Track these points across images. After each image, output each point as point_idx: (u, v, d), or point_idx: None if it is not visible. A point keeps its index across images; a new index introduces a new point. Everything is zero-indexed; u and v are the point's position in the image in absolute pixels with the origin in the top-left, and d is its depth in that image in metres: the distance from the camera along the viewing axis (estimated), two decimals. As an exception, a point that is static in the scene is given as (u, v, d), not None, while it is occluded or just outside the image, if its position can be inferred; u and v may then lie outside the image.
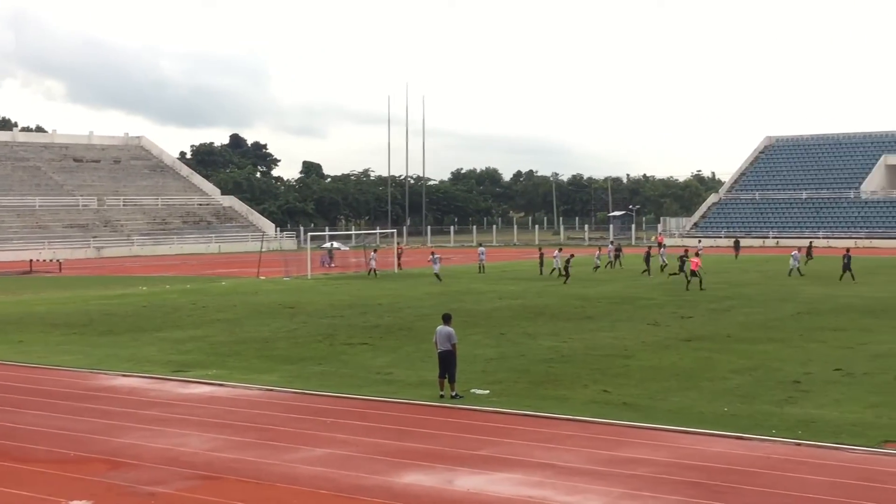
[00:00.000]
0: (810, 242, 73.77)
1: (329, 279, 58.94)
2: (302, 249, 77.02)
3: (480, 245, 74.86)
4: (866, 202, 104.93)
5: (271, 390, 23.06)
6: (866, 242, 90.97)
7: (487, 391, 21.79)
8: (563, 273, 54.14)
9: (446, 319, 22.21)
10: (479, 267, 63.45)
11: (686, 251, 55.44)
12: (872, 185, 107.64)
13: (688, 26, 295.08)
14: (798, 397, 21.14)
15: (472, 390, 21.86)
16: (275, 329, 34.03)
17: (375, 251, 65.31)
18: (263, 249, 75.49)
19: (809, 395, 21.30)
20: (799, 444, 17.22)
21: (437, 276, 54.94)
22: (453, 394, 21.50)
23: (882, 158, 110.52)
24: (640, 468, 15.77)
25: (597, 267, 62.01)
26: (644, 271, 58.03)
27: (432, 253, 60.68)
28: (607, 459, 16.36)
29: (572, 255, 57.15)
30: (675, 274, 52.27)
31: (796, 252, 57.25)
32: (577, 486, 14.90)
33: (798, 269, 55.53)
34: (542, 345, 29.27)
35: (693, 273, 47.80)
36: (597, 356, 27.01)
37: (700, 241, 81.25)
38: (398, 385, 23.35)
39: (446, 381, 21.68)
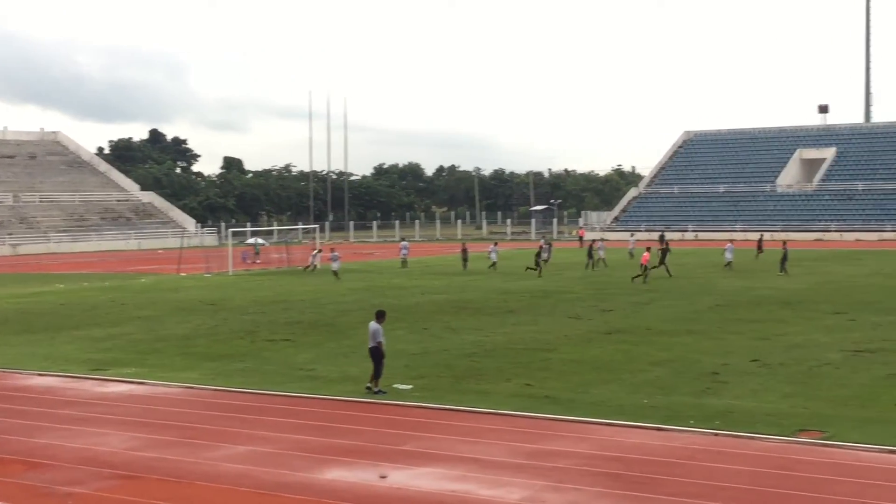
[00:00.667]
0: (761, 235, 71.52)
1: (251, 275, 58.51)
2: (223, 245, 76.32)
3: (403, 240, 74.69)
4: (782, 195, 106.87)
5: (192, 388, 22.84)
6: (782, 235, 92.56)
7: (410, 386, 21.81)
8: (536, 266, 54.51)
9: (379, 316, 22.16)
10: (402, 262, 63.38)
11: (593, 243, 58.65)
12: (788, 178, 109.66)
13: (608, 23, 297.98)
14: (716, 388, 21.48)
15: (395, 385, 21.86)
16: (195, 326, 33.71)
17: (320, 250, 64.40)
18: (184, 246, 74.73)
19: (727, 386, 21.64)
20: (716, 435, 17.49)
21: (335, 273, 53.70)
22: (376, 389, 21.50)
23: (797, 152, 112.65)
24: (562, 460, 15.91)
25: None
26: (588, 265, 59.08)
27: (332, 250, 59.23)
28: (529, 452, 16.47)
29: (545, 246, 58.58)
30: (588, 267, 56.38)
31: (730, 244, 58.19)
32: (500, 479, 14.98)
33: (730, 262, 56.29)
34: (465, 339, 29.37)
35: (644, 267, 48.33)
36: (519, 350, 27.18)
37: (633, 235, 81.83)
38: (321, 381, 23.27)
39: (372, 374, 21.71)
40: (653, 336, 29.44)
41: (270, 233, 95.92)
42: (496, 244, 62.00)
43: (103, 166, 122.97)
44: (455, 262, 66.04)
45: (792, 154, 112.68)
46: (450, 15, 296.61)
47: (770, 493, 14.09)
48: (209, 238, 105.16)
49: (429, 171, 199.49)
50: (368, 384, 21.68)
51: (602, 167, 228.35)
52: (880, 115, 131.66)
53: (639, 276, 48.27)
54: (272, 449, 16.95)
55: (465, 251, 61.84)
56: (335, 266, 54.46)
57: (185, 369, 25.23)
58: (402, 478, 15.15)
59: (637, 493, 14.23)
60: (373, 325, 21.93)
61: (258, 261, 69.97)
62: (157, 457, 16.54)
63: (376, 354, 21.61)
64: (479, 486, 14.64)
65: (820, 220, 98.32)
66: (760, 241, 67.11)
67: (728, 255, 55.83)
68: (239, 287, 49.04)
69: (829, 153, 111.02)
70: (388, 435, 17.85)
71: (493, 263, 58.15)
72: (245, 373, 24.60)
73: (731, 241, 60.29)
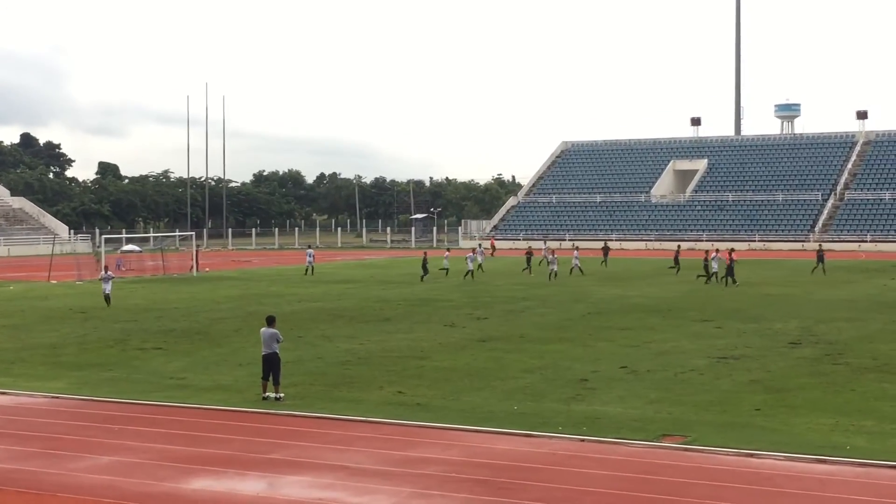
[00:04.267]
0: (605, 243, 73.50)
1: (124, 283, 57.36)
2: (96, 253, 74.70)
3: (309, 246, 73.47)
4: (656, 205, 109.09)
5: (57, 398, 22.32)
6: (656, 244, 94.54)
7: (282, 395, 21.68)
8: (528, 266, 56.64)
9: (270, 321, 22.04)
10: (307, 269, 62.22)
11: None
12: (662, 188, 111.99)
13: (488, 33, 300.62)
14: (585, 395, 21.85)
15: (267, 394, 21.70)
16: (64, 335, 32.94)
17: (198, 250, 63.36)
18: (56, 252, 72.90)
19: (596, 393, 22.03)
20: (583, 440, 17.79)
21: (106, 297, 42.08)
22: (277, 396, 21.36)
23: (671, 163, 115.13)
24: (430, 467, 16.01)
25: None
26: (524, 269, 60.29)
27: (106, 269, 45.68)
28: (398, 460, 16.54)
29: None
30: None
31: (576, 252, 60.27)
32: (368, 486, 15.01)
33: (579, 267, 58.28)
34: (340, 347, 29.32)
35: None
36: (393, 358, 27.23)
37: (546, 243, 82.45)
38: (191, 390, 22.98)
39: (270, 382, 21.57)
40: (526, 343, 29.80)
41: (146, 239, 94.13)
42: (448, 250, 62.18)
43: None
44: (332, 270, 65.90)
45: (666, 165, 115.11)
46: (330, 21, 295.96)
47: (632, 497, 14.41)
48: (82, 245, 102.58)
49: (309, 178, 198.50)
50: (266, 394, 21.50)
51: (482, 176, 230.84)
52: (749, 129, 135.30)
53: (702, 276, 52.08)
54: (137, 459, 16.68)
55: (425, 259, 58.50)
56: (107, 289, 42.49)
57: (52, 379, 24.63)
58: (268, 487, 15.08)
59: (503, 498, 14.40)
60: (266, 331, 21.81)
61: (128, 268, 68.54)
62: (16, 468, 16.14)
63: (274, 360, 21.53)
64: (346, 494, 14.64)
65: (692, 230, 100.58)
66: (605, 248, 69.02)
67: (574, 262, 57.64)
68: (112, 295, 48.00)
69: (701, 164, 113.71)
70: (257, 444, 17.72)
71: (470, 271, 56.91)
72: (113, 382, 24.13)
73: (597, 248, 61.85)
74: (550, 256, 57.46)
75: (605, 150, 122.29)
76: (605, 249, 69.18)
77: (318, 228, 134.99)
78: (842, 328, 32.61)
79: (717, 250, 55.68)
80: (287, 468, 16.06)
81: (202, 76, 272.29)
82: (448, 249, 64.47)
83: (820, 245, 66.17)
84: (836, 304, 40.62)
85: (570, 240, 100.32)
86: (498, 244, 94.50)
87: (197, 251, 69.77)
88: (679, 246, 67.36)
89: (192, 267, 64.78)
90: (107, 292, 42.28)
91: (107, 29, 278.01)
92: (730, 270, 51.07)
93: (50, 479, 15.48)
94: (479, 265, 60.74)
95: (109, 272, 44.82)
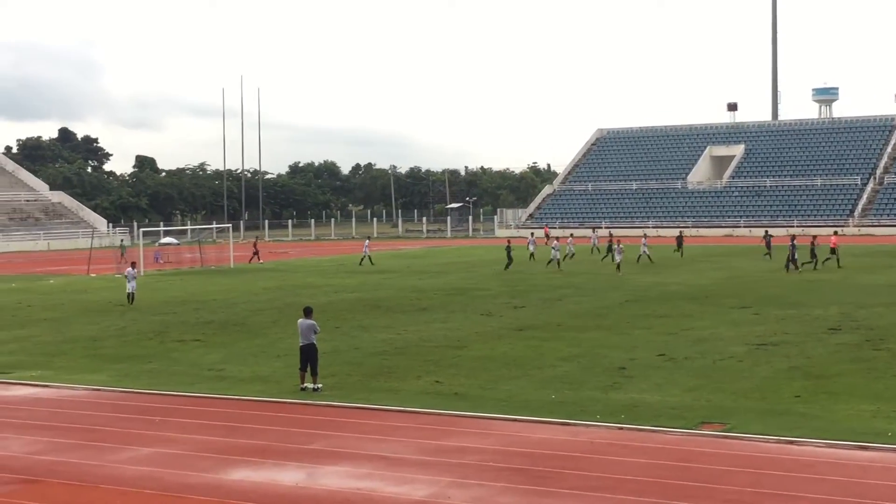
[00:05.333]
0: (680, 232, 68.91)
1: (162, 275, 57.82)
2: (135, 245, 75.28)
3: (368, 238, 73.92)
4: (692, 192, 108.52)
5: (98, 390, 22.54)
6: (693, 231, 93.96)
7: (320, 385, 21.76)
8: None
9: (307, 312, 22.15)
10: (364, 258, 62.27)
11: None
12: (698, 175, 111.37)
13: (523, 21, 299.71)
14: (622, 383, 21.78)
15: (305, 385, 21.79)
16: (104, 327, 33.23)
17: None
18: (95, 246, 73.52)
19: (633, 381, 21.96)
20: (621, 429, 17.74)
21: (129, 296, 40.33)
22: (315, 386, 21.47)
23: (707, 150, 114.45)
24: (468, 457, 16.02)
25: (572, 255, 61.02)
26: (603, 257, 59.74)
27: (133, 265, 44.60)
28: (436, 449, 16.57)
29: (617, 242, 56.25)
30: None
31: (644, 239, 59.74)
32: (405, 476, 15.04)
33: (648, 255, 57.55)
34: (377, 337, 29.39)
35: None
36: (430, 347, 27.27)
37: (595, 231, 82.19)
38: (230, 381, 23.13)
39: (308, 373, 21.67)
40: (562, 332, 29.74)
41: (184, 232, 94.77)
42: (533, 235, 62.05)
43: (11, 166, 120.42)
44: (368, 261, 66.08)
45: (702, 151, 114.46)
46: (366, 10, 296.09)
47: (671, 485, 14.34)
48: (121, 238, 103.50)
49: (345, 169, 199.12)
50: (304, 384, 21.61)
51: (517, 165, 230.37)
52: (787, 114, 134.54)
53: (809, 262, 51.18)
54: (178, 450, 16.81)
55: (509, 247, 57.77)
56: (130, 287, 40.66)
57: (93, 371, 24.86)
58: (307, 477, 15.15)
59: (541, 487, 14.39)
60: (303, 322, 21.89)
61: (166, 260, 68.99)
62: (59, 460, 16.31)
63: (311, 351, 21.63)
64: (384, 484, 14.69)
65: (730, 217, 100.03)
66: (679, 237, 65.22)
67: (643, 249, 57.29)
68: (150, 287, 48.36)
69: (738, 150, 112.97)
70: (295, 434, 17.81)
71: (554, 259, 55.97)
72: (153, 374, 24.34)
73: (644, 235, 60.97)
74: (617, 246, 53.92)
75: (641, 137, 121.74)
76: (680, 238, 64.92)
77: (353, 219, 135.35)
78: (882, 313, 32.31)
79: (816, 236, 54.93)
80: (325, 458, 16.13)
81: (237, 68, 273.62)
82: (532, 234, 64.26)
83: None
84: (877, 289, 40.25)
85: (606, 227, 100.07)
86: (558, 232, 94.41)
87: (256, 242, 70.17)
88: (767, 232, 65.68)
89: (252, 258, 65.41)
90: (130, 290, 40.33)
91: (140, 22, 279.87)
92: (833, 252, 52.12)
93: (92, 471, 15.63)
94: (532, 254, 60.36)
95: (135, 269, 42.94)
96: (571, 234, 66.99)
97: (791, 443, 16.45)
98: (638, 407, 19.33)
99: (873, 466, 15.07)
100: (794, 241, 51.20)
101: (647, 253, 58.14)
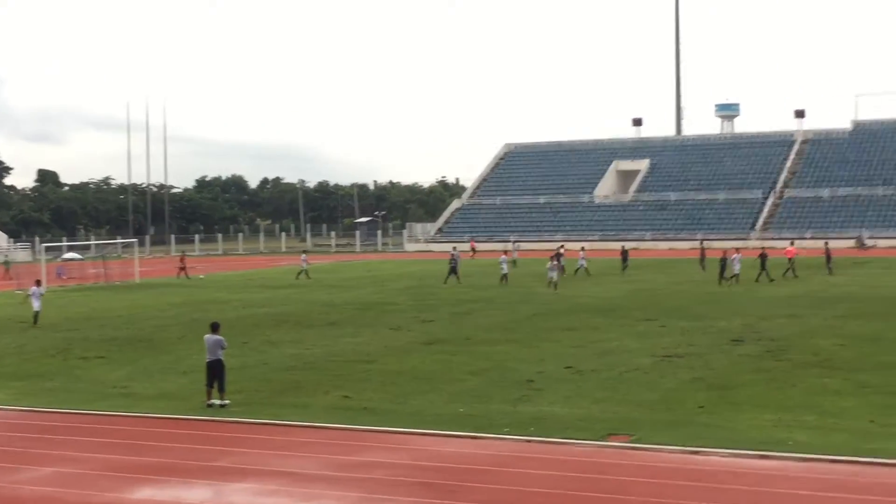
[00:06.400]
0: (623, 247, 66.69)
1: (65, 291, 56.72)
2: (37, 261, 73.74)
3: (304, 251, 73.46)
4: (599, 206, 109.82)
5: (-3, 409, 22.00)
6: (600, 245, 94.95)
7: (227, 401, 21.51)
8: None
9: (214, 328, 21.91)
10: (301, 272, 61.77)
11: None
12: (605, 189, 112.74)
13: (431, 36, 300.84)
14: (531, 395, 21.90)
15: (212, 401, 21.52)
16: (3, 345, 32.44)
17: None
18: (-7, 262, 71.81)
19: (542, 393, 22.10)
20: (530, 441, 17.83)
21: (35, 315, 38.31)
22: (222, 402, 21.21)
23: (613, 164, 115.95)
24: (377, 471, 15.97)
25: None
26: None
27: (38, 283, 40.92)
28: (344, 464, 16.48)
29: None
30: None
31: (582, 252, 60.06)
32: (313, 492, 14.94)
33: (586, 268, 57.96)
34: (285, 352, 29.18)
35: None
36: (339, 362, 27.14)
37: (514, 244, 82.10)
38: (135, 398, 22.74)
39: (215, 389, 21.43)
40: (472, 346, 29.82)
41: (88, 247, 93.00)
42: (561, 253, 58.12)
43: None
44: (276, 276, 65.64)
45: (608, 166, 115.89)
46: (271, 25, 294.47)
47: (578, 497, 14.47)
48: (22, 254, 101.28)
49: (252, 183, 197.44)
50: (211, 401, 21.34)
51: (426, 179, 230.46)
52: (690, 129, 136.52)
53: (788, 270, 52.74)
54: (79, 469, 16.47)
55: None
56: (36, 306, 38.55)
57: (-9, 390, 24.25)
58: (212, 494, 14.96)
59: (450, 501, 14.40)
60: (210, 337, 21.65)
61: (68, 276, 67.68)
62: (-44, 482, 15.87)
63: (218, 368, 21.41)
64: (292, 500, 14.57)
65: (635, 230, 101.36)
66: (624, 251, 63.21)
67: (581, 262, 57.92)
68: (53, 304, 47.28)
69: (643, 165, 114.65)
70: (201, 451, 17.58)
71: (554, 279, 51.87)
72: (55, 392, 23.81)
73: (583, 248, 61.26)
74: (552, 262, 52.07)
75: (548, 152, 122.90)
76: (625, 253, 63.17)
77: (262, 234, 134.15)
78: (783, 325, 33.01)
79: (738, 249, 55.25)
80: (232, 475, 15.94)
81: (142, 81, 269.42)
82: (583, 248, 62.93)
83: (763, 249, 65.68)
84: (778, 301, 41.11)
85: (514, 241, 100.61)
86: (442, 246, 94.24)
87: (183, 256, 69.19)
88: (702, 243, 67.20)
89: (179, 273, 64.56)
90: (36, 309, 38.25)
91: (42, 34, 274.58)
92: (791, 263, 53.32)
93: (-10, 492, 15.24)
94: (582, 268, 58.40)
95: (40, 287, 40.16)
96: (583, 248, 64.42)
97: (695, 453, 16.69)
98: (546, 419, 19.45)
99: (774, 475, 15.37)
100: (726, 255, 51.81)
101: (585, 266, 58.47)
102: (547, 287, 47.46)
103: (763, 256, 52.15)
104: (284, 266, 78.61)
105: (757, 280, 50.24)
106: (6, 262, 71.33)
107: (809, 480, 15.06)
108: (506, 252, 60.08)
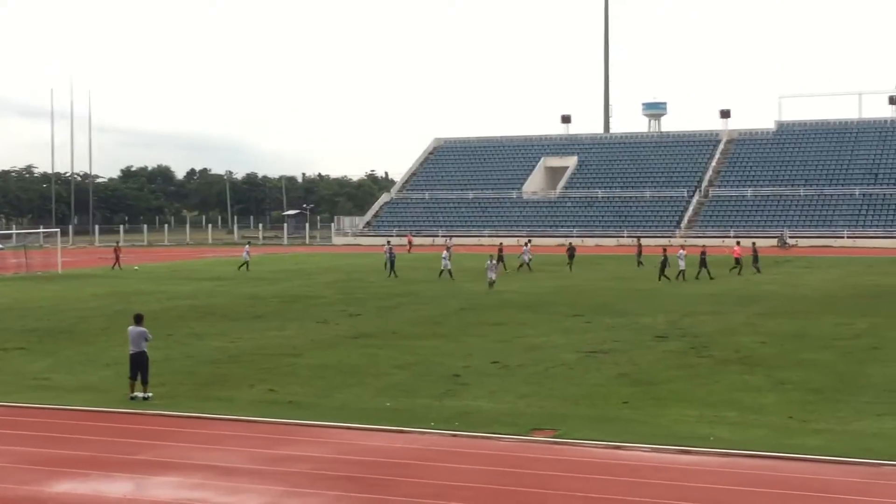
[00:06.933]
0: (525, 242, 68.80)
1: (-15, 281, 55.60)
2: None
3: (248, 243, 72.49)
4: (527, 202, 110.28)
5: (-88, 401, 21.52)
6: (503, 240, 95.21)
7: (150, 394, 21.26)
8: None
9: (138, 320, 21.70)
10: (243, 264, 60.89)
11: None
12: (533, 185, 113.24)
13: (360, 28, 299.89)
14: (457, 390, 21.96)
15: (135, 394, 21.26)
16: (-80, 335, 31.76)
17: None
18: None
19: (468, 388, 22.16)
20: (455, 436, 17.89)
21: None
22: (145, 395, 20.96)
23: (541, 161, 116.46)
24: (301, 465, 15.91)
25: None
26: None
27: None
28: (269, 458, 16.39)
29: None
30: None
31: (527, 247, 59.97)
32: (238, 486, 14.84)
33: (528, 263, 57.93)
34: (210, 345, 28.93)
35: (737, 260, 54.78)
36: (265, 355, 26.97)
37: (450, 240, 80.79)
38: (56, 391, 22.40)
39: (138, 382, 21.19)
40: (398, 339, 29.82)
41: (8, 236, 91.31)
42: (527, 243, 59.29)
43: None
44: (202, 268, 65.06)
45: (537, 162, 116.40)
46: (199, 12, 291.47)
47: (503, 491, 14.55)
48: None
49: (179, 174, 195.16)
50: (134, 393, 21.07)
51: (355, 172, 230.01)
52: (618, 127, 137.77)
53: (734, 268, 53.98)
54: (-2, 463, 16.19)
55: (500, 252, 58.48)
56: None
57: None
58: (135, 488, 14.79)
59: (375, 494, 14.40)
60: (133, 329, 21.43)
61: None
62: None
63: (142, 359, 21.20)
64: (215, 494, 14.46)
65: (563, 226, 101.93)
66: (571, 248, 62.60)
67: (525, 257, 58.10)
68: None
69: (571, 162, 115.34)
70: (123, 444, 17.37)
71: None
72: (-27, 384, 23.37)
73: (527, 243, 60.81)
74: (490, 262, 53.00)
75: (477, 148, 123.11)
76: (571, 249, 62.14)
77: (188, 225, 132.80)
78: (706, 321, 33.46)
79: (683, 247, 55.44)
80: (155, 469, 15.77)
81: (66, 68, 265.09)
82: (527, 242, 62.39)
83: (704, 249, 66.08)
84: (701, 298, 41.63)
85: (442, 236, 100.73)
86: (371, 240, 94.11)
87: (117, 247, 68.05)
88: (639, 240, 67.49)
89: (114, 263, 63.45)
90: None
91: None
92: (755, 259, 55.50)
93: None
94: (525, 263, 58.14)
95: None
96: (528, 241, 64.34)
97: (619, 448, 16.88)
98: (471, 414, 19.52)
99: (695, 470, 15.59)
100: (667, 252, 52.32)
101: (529, 261, 58.40)
102: (488, 287, 46.68)
103: (703, 254, 52.77)
104: (211, 258, 77.95)
105: (697, 277, 50.80)
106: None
107: (729, 475, 15.30)
108: (448, 248, 59.06)
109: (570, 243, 65.54)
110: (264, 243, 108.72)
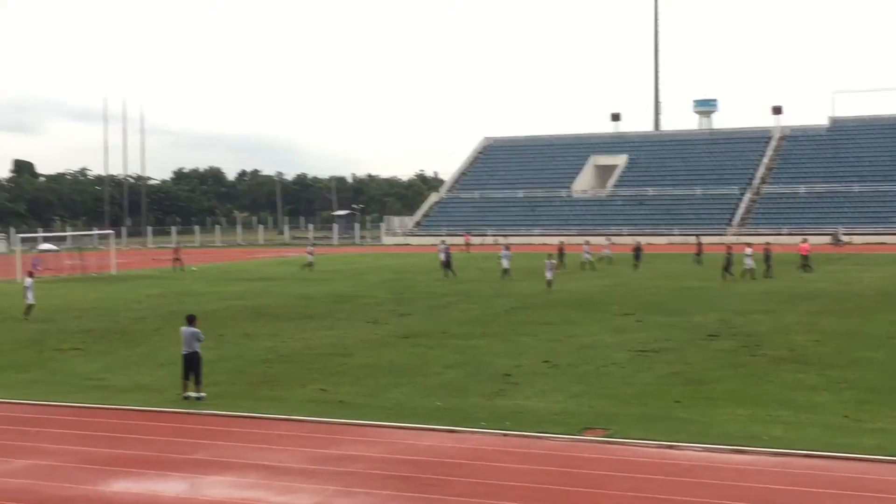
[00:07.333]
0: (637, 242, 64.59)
1: (41, 283, 56.26)
2: (11, 252, 73.35)
3: (313, 244, 73.33)
4: (577, 200, 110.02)
5: (-29, 401, 21.88)
6: (578, 239, 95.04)
7: (203, 394, 21.46)
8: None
9: (191, 320, 21.87)
10: (308, 264, 61.87)
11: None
12: (582, 184, 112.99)
13: (411, 29, 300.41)
14: (508, 389, 21.95)
15: (188, 394, 21.47)
16: (-22, 336, 32.28)
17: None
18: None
19: (518, 388, 22.15)
20: (506, 435, 17.88)
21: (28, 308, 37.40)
22: (198, 395, 21.18)
23: (591, 159, 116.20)
24: (354, 465, 15.98)
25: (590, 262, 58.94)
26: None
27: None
28: (321, 458, 16.48)
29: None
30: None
31: (587, 246, 60.04)
32: (291, 485, 14.94)
33: (591, 262, 58.34)
34: (261, 345, 29.13)
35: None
36: (315, 355, 27.12)
37: (609, 240, 77.97)
38: (111, 391, 22.67)
39: (191, 381, 21.40)
40: (448, 339, 29.86)
41: (64, 238, 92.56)
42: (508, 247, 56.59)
43: None
44: (253, 268, 65.52)
45: (586, 160, 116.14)
46: (248, 15, 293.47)
47: (554, 491, 14.52)
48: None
49: (230, 175, 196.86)
50: (187, 393, 21.31)
51: (405, 172, 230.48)
52: (668, 124, 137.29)
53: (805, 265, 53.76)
54: (55, 462, 16.42)
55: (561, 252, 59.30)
56: (29, 298, 37.61)
57: (-35, 382, 24.12)
58: (190, 487, 14.93)
59: (427, 494, 14.42)
60: (186, 329, 21.62)
61: (42, 267, 67.34)
62: (-70, 474, 15.79)
63: (194, 360, 21.40)
64: (269, 494, 14.55)
65: (613, 225, 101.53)
66: (637, 247, 61.13)
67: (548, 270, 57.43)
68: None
69: (621, 160, 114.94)
70: (178, 444, 17.54)
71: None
72: (30, 384, 23.70)
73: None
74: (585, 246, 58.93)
75: (527, 146, 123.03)
76: (638, 249, 60.95)
77: (239, 226, 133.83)
78: (759, 320, 33.17)
79: (750, 245, 54.25)
80: (209, 468, 15.92)
81: (120, 72, 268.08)
82: (588, 243, 62.69)
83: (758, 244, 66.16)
84: (754, 296, 41.29)
85: (492, 235, 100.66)
86: (421, 240, 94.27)
87: (177, 248, 68.80)
88: (699, 238, 67.06)
89: (174, 262, 64.29)
90: (29, 302, 37.25)
91: (18, 23, 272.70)
92: (806, 259, 54.38)
93: (-36, 484, 15.17)
94: (602, 258, 59.18)
95: (32, 279, 38.73)
96: (587, 241, 64.13)
97: (671, 447, 16.78)
98: (522, 413, 19.50)
99: (749, 469, 15.47)
100: (731, 250, 51.57)
101: (591, 259, 58.76)
102: (546, 287, 45.83)
103: (767, 251, 52.28)
104: (261, 258, 78.50)
105: (766, 276, 50.36)
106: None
107: (784, 475, 15.17)
108: (507, 247, 57.70)
109: (638, 242, 64.54)
110: (314, 244, 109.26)
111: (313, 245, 73.25)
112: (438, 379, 23.37)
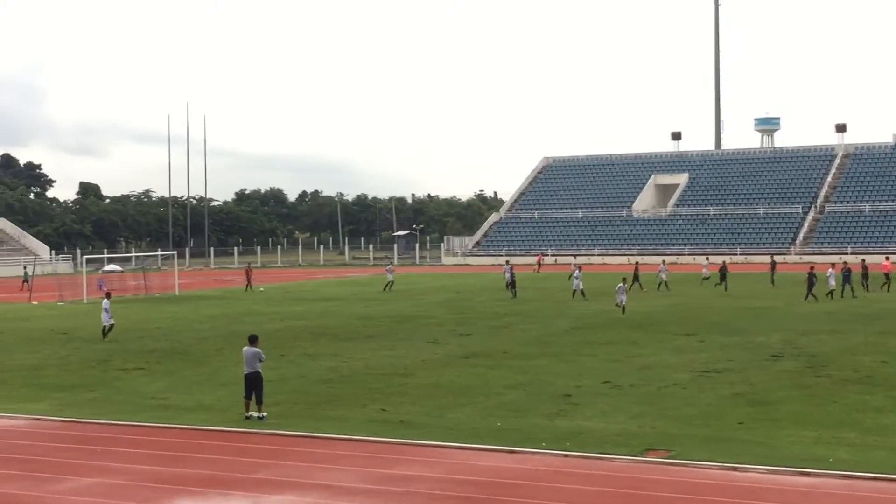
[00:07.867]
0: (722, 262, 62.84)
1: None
2: (78, 273, 74.45)
3: (391, 262, 73.68)
4: (638, 220, 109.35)
5: (39, 419, 22.21)
6: (639, 259, 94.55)
7: (265, 414, 21.60)
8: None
9: (253, 340, 22.05)
10: (388, 284, 62.15)
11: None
12: (643, 203, 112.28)
13: (468, 49, 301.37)
14: (568, 410, 21.85)
15: (250, 413, 21.62)
16: (45, 356, 32.77)
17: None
18: (37, 273, 72.60)
19: (579, 408, 22.04)
20: (567, 456, 17.79)
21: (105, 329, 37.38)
22: (260, 415, 21.33)
23: (652, 178, 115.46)
24: (414, 485, 15.98)
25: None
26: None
27: None
28: (382, 478, 16.50)
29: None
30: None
31: (663, 265, 60.51)
32: (352, 505, 14.98)
33: (666, 282, 57.81)
34: (323, 365, 29.27)
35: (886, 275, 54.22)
36: (376, 375, 27.20)
37: (708, 259, 76.59)
38: (174, 410, 22.90)
39: (253, 401, 21.54)
40: (509, 359, 29.80)
41: (128, 259, 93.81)
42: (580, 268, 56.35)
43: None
44: (314, 288, 65.88)
45: (647, 180, 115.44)
46: (311, 37, 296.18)
47: (616, 512, 14.41)
48: (64, 265, 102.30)
49: (291, 196, 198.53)
50: (249, 413, 21.47)
51: (464, 192, 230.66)
52: (730, 143, 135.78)
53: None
54: (120, 480, 16.60)
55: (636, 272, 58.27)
56: (105, 319, 37.49)
57: (34, 400, 24.49)
58: (252, 506, 15.03)
59: (487, 515, 14.39)
60: (248, 350, 21.79)
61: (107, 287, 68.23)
62: (-2, 491, 16.04)
63: (257, 379, 21.52)
64: (330, 513, 14.61)
65: (674, 244, 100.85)
66: (723, 267, 58.96)
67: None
68: (93, 316, 47.61)
69: (682, 179, 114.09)
70: (240, 463, 17.66)
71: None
72: (96, 403, 24.03)
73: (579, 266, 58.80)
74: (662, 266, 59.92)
75: (587, 166, 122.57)
76: (724, 269, 58.63)
77: (300, 246, 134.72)
78: (824, 340, 32.73)
79: (833, 265, 53.26)
80: (271, 488, 16.01)
81: (182, 95, 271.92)
82: (664, 262, 63.01)
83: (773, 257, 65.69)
84: (818, 316, 40.75)
85: (552, 255, 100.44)
86: (480, 260, 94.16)
87: (249, 268, 69.55)
88: (772, 257, 66.92)
89: (247, 284, 64.78)
90: (105, 323, 37.32)
91: (85, 47, 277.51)
92: (888, 278, 54.02)
93: (30, 502, 15.38)
94: (663, 282, 58.06)
95: (109, 301, 38.28)
96: (664, 261, 64.49)
97: (734, 469, 16.59)
98: (583, 434, 19.40)
99: (815, 492, 15.24)
100: (813, 270, 50.04)
101: (666, 280, 58.26)
102: (620, 312, 43.13)
103: (847, 271, 51.60)
104: (322, 279, 78.94)
105: (854, 295, 49.89)
106: (25, 274, 71.94)
107: (851, 498, 14.93)
108: (579, 267, 56.88)
109: (724, 262, 62.39)
110: (375, 264, 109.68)
111: (392, 264, 73.41)
112: (499, 399, 23.32)
